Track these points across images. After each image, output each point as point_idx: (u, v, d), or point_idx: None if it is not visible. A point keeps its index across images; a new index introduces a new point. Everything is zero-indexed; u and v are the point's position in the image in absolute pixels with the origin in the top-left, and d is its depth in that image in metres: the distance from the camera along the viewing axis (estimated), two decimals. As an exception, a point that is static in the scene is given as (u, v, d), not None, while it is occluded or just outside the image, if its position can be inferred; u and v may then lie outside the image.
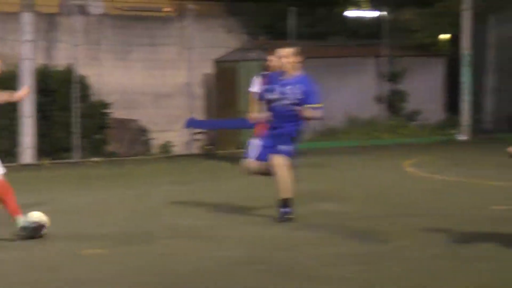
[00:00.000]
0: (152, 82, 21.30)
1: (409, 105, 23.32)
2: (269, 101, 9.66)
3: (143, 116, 20.47)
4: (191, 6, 21.16)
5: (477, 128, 22.81)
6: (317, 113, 9.48)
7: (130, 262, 7.69)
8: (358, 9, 24.38)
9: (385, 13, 23.14)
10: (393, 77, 23.13)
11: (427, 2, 23.48)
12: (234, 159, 17.44)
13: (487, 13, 23.18)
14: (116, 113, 19.69)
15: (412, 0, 23.63)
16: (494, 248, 8.03)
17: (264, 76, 15.82)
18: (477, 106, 22.97)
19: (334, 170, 15.77)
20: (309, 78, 9.60)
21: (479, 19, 22.72)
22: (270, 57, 9.88)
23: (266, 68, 15.90)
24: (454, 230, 8.89)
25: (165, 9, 22.47)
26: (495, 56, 23.40)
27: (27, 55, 17.68)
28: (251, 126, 15.22)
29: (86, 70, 19.19)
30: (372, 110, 22.78)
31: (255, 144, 15.89)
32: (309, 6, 22.40)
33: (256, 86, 15.78)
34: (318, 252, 8.02)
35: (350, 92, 22.19)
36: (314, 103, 9.44)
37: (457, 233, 8.76)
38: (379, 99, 23.11)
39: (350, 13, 24.22)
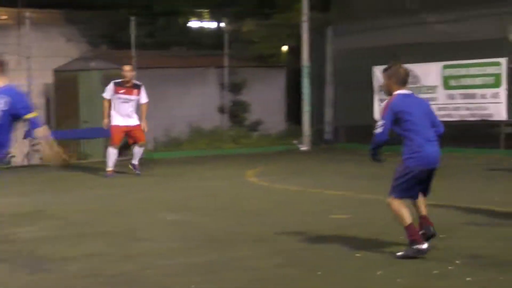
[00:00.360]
0: (-11, 92, 20.56)
1: (251, 116, 23.57)
2: None
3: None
4: (28, 13, 20.59)
5: (318, 138, 23.29)
6: (44, 131, 8.52)
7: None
8: (200, 20, 24.45)
9: (225, 24, 23.28)
10: (235, 88, 23.30)
11: (267, 13, 23.80)
12: (74, 170, 17.09)
13: (324, 26, 23.70)
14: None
15: (252, 12, 23.89)
16: (334, 255, 8.17)
17: (118, 83, 15.70)
18: (317, 117, 23.45)
19: (177, 180, 15.70)
20: (16, 89, 8.65)
21: (318, 32, 23.22)
22: None
23: (121, 76, 15.79)
24: (296, 239, 8.99)
25: (1, 17, 21.78)
26: (333, 68, 23.94)
27: None
28: (99, 135, 14.82)
29: None
30: (215, 120, 22.86)
31: (111, 153, 15.76)
32: (150, 15, 22.29)
33: (109, 93, 15.65)
34: (162, 263, 7.93)
35: (192, 102, 22.20)
36: (28, 114, 8.61)
37: (299, 242, 8.86)
38: (221, 110, 23.22)
39: (192, 23, 24.25)
